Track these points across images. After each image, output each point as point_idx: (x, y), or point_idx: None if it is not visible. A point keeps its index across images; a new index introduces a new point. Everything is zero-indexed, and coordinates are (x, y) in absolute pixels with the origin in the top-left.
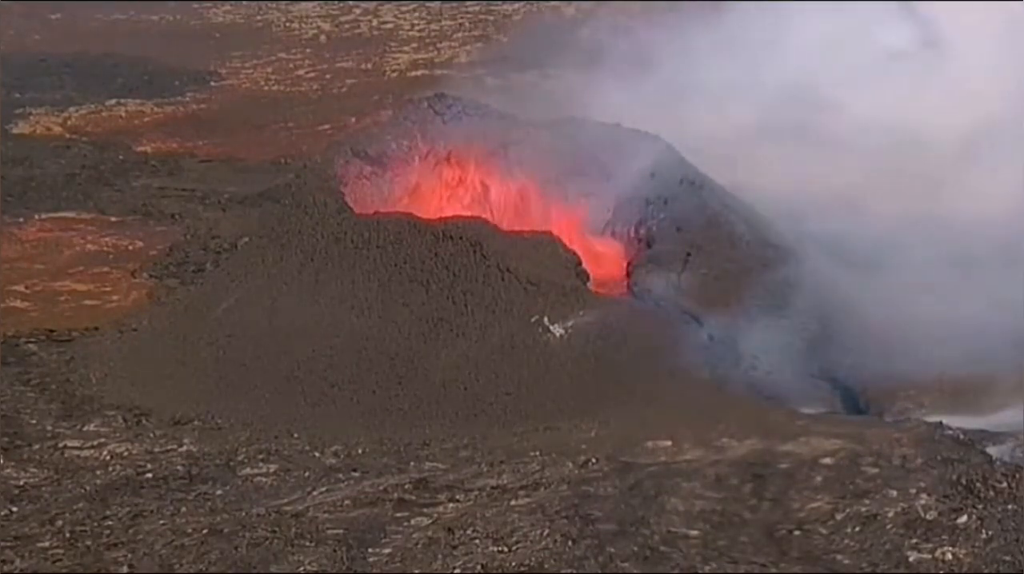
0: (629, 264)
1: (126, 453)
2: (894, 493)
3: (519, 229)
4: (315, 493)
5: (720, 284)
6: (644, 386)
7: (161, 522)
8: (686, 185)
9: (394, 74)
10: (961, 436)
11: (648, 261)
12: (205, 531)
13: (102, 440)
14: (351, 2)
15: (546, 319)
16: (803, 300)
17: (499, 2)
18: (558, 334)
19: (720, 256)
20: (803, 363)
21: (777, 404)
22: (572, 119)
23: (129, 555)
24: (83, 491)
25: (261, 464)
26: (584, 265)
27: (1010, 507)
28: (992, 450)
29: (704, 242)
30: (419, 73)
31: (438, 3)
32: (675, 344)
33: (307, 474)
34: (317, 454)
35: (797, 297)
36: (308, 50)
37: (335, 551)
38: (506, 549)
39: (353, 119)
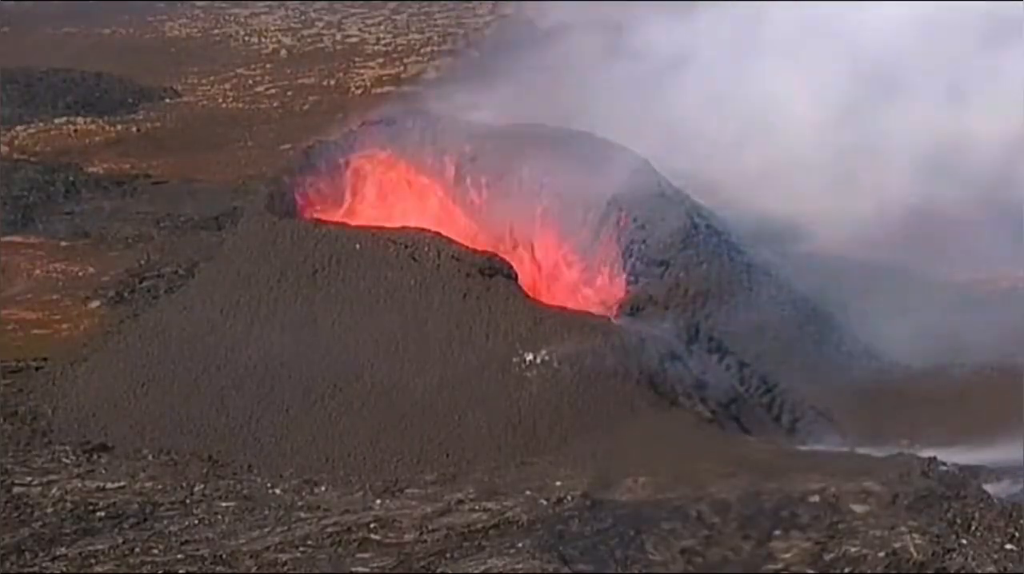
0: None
1: (77, 490)
2: (884, 533)
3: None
4: (275, 532)
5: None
6: (624, 420)
7: (114, 563)
8: (665, 201)
9: (359, 91)
10: (956, 472)
11: (630, 287)
12: (160, 573)
13: (52, 477)
14: (313, 15)
15: (520, 347)
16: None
17: (469, 16)
18: (535, 362)
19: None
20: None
21: (764, 439)
22: (546, 129)
23: None
24: (31, 530)
25: (219, 501)
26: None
27: (1008, 547)
28: (988, 487)
29: (685, 263)
30: (385, 90)
31: (405, 16)
32: (657, 376)
33: (266, 512)
34: (278, 491)
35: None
36: (268, 65)
37: None
38: None
39: (316, 138)
